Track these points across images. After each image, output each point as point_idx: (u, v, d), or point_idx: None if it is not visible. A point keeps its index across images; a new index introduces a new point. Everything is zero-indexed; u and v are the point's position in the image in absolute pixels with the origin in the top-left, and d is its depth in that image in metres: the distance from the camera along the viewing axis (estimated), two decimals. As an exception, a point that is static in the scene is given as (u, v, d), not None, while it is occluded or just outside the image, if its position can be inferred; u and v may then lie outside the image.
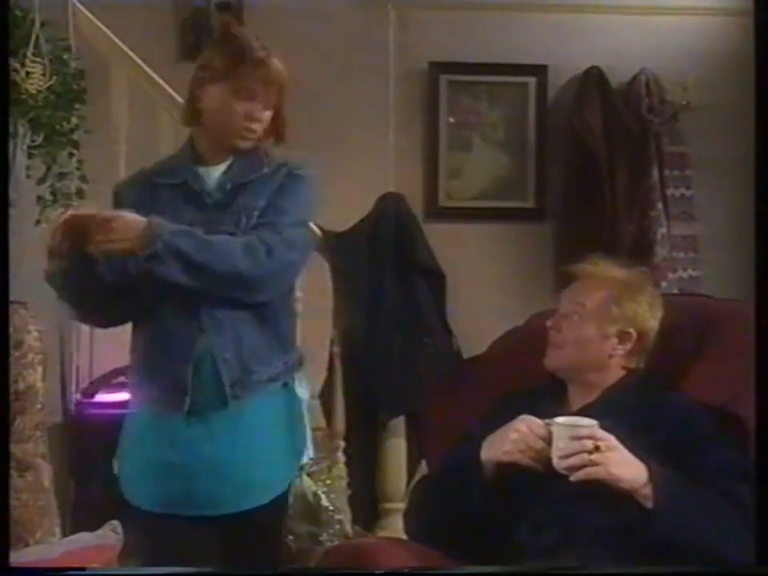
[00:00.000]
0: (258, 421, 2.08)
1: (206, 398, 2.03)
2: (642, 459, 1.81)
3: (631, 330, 2.07)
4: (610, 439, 1.80)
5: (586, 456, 1.78)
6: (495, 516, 1.90)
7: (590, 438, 1.79)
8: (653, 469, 1.80)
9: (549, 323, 2.10)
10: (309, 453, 2.22)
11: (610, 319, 2.06)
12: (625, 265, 2.16)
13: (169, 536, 2.06)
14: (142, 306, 2.06)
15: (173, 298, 2.02)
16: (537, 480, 1.86)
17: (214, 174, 2.10)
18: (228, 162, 2.10)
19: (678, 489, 1.81)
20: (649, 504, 1.78)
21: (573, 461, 1.78)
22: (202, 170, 2.10)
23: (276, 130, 2.12)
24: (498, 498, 1.90)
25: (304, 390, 2.20)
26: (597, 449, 1.78)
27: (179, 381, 2.03)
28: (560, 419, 1.84)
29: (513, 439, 1.88)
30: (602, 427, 1.82)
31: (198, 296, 2.00)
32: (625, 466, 1.79)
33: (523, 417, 1.90)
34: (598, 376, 2.05)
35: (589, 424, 1.82)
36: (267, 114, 2.07)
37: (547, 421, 1.86)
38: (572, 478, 1.78)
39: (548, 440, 1.84)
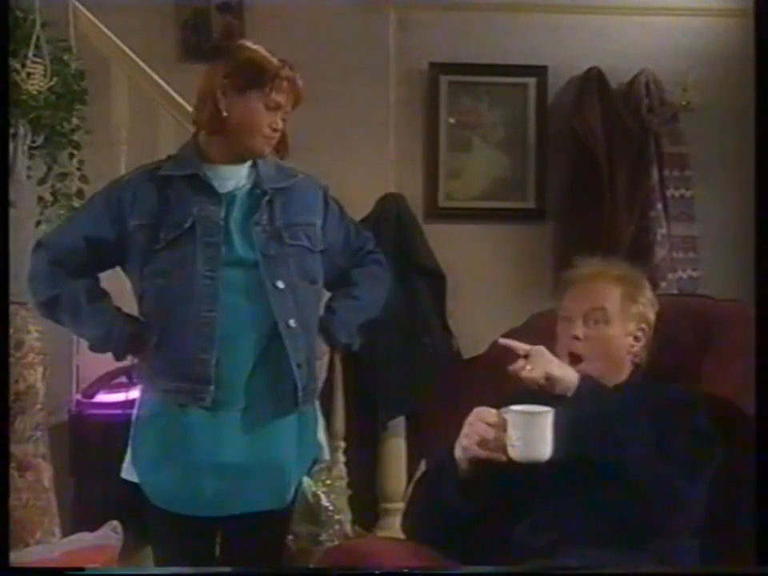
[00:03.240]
0: (286, 421, 2.14)
1: (262, 402, 2.10)
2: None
3: (645, 326, 2.08)
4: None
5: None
6: (479, 513, 1.90)
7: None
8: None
9: (576, 333, 2.04)
10: (325, 453, 2.32)
11: (630, 317, 2.06)
12: (621, 263, 2.17)
13: (189, 536, 2.10)
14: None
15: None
16: (528, 476, 1.86)
17: (227, 171, 2.15)
18: (246, 165, 2.17)
19: (603, 393, 1.91)
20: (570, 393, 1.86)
21: None
22: (208, 165, 2.15)
23: (283, 142, 2.20)
24: (477, 495, 1.89)
25: None
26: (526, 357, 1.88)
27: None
28: (515, 407, 1.82)
29: (465, 433, 1.87)
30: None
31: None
32: (558, 367, 1.89)
33: (477, 409, 1.89)
34: (611, 376, 2.04)
35: (544, 411, 1.80)
36: (283, 125, 2.15)
37: (503, 409, 1.84)
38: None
39: (502, 427, 1.82)
